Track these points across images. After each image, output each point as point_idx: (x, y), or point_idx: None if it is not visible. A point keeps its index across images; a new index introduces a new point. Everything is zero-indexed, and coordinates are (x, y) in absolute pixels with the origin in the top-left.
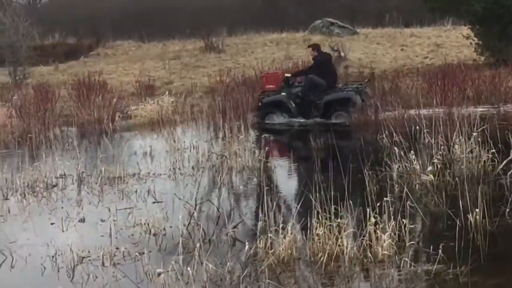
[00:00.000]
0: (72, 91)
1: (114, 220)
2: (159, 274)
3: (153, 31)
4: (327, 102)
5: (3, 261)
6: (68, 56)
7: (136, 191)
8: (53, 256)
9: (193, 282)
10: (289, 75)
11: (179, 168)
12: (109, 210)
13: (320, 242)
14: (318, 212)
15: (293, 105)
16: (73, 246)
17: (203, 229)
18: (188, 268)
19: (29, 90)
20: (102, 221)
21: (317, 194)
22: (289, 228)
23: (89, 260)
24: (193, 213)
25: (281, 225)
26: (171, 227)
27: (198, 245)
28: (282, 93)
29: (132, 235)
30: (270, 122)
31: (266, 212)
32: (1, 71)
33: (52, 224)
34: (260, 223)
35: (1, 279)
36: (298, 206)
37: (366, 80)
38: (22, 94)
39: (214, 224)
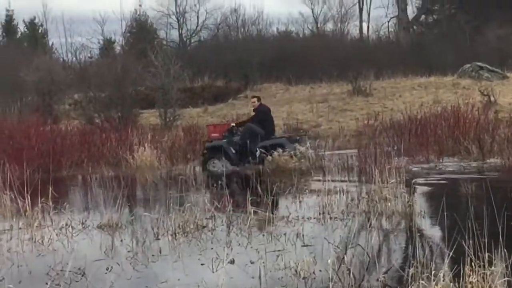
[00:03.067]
0: None
1: (263, 263)
2: None
3: (301, 74)
4: (263, 147)
5: None
6: (217, 98)
7: (285, 234)
8: None
9: None
10: (233, 124)
11: (328, 212)
12: (258, 252)
13: None
14: (471, 260)
15: (233, 151)
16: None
17: (353, 274)
18: None
19: (179, 132)
20: (252, 263)
21: (470, 240)
22: (441, 275)
23: None
24: (343, 257)
25: (433, 272)
26: (320, 271)
27: None
28: (223, 140)
29: (282, 277)
30: (212, 169)
31: (418, 258)
32: (152, 113)
33: (202, 264)
34: (411, 269)
35: None
36: (451, 253)
37: (303, 131)
38: (172, 135)
39: (364, 269)
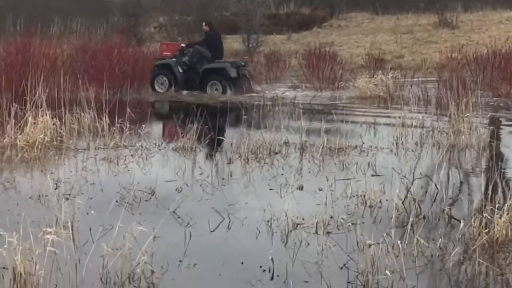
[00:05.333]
0: (302, 61)
1: (331, 190)
2: (370, 245)
3: (387, 4)
4: (205, 70)
5: (221, 222)
6: (301, 26)
7: (356, 163)
8: (268, 221)
9: (403, 256)
10: (183, 45)
11: (402, 143)
12: (327, 179)
13: None
14: None
15: (180, 71)
16: (288, 212)
17: (418, 205)
18: (399, 242)
19: (261, 58)
20: (320, 190)
21: None
22: (505, 208)
23: (303, 227)
24: (410, 188)
25: (497, 205)
26: (387, 200)
27: (411, 219)
28: (173, 59)
29: (348, 205)
30: (158, 90)
31: (484, 191)
32: (235, 38)
33: (270, 189)
34: (476, 202)
35: (218, 239)
36: None
37: (246, 57)
38: (253, 61)
39: (431, 200)
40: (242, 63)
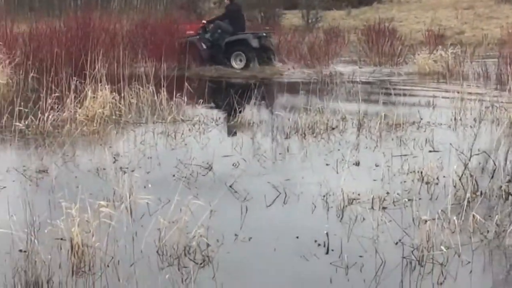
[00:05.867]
0: (362, 37)
1: (388, 166)
2: (425, 221)
3: None
4: (227, 43)
5: (277, 197)
6: (361, 2)
7: (414, 139)
8: (324, 196)
9: (459, 232)
10: (204, 21)
11: (460, 119)
12: (384, 155)
13: None
14: None
15: (204, 47)
16: (344, 188)
17: (476, 181)
18: (455, 218)
19: (319, 34)
20: (376, 165)
21: None
22: None
23: (359, 202)
24: (468, 164)
25: None
26: (444, 177)
27: (468, 196)
28: (196, 37)
29: (404, 181)
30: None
31: None
32: (295, 14)
33: (327, 165)
34: None
35: (274, 213)
36: None
37: (267, 28)
38: (312, 37)
39: (489, 177)
40: (264, 34)
